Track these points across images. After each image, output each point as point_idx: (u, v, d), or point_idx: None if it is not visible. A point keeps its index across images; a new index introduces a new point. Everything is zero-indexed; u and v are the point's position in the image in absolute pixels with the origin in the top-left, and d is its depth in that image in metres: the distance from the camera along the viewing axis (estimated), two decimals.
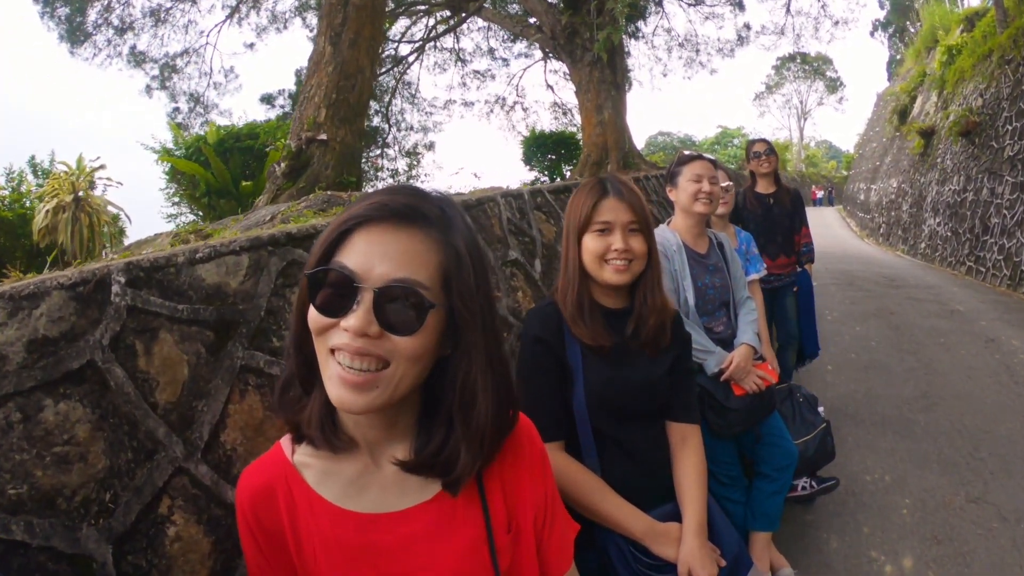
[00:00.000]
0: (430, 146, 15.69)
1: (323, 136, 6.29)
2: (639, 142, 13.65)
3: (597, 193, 1.60)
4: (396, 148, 15.14)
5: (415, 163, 15.17)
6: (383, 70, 13.63)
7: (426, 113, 15.43)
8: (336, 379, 0.78)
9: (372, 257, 0.79)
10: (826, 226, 20.20)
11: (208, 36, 11.83)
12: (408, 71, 14.57)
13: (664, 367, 1.62)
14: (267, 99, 13.37)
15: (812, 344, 4.66)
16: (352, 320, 0.77)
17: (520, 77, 15.61)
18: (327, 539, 0.89)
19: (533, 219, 2.80)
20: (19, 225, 9.42)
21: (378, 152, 14.78)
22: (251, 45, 13.55)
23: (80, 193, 10.15)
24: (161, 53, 11.54)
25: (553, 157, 12.13)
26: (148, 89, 11.91)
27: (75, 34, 10.38)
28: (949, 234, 11.68)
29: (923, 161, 14.65)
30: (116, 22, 10.66)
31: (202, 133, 11.04)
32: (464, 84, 15.63)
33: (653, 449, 1.61)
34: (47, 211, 9.59)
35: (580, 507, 1.52)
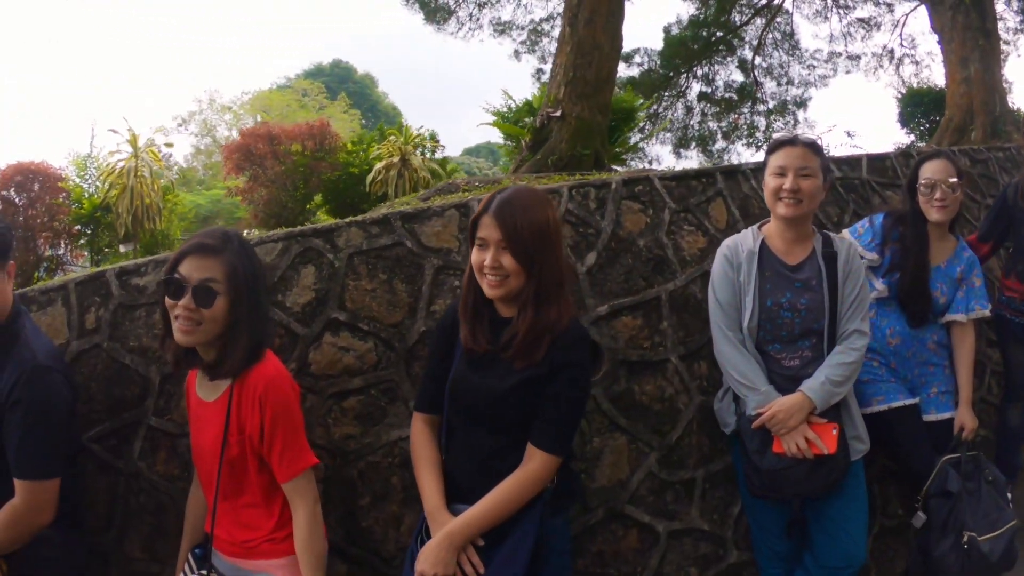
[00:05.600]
0: (801, 103, 13.85)
1: (558, 112, 6.76)
2: None
3: (482, 208, 1.61)
4: (770, 104, 13.80)
5: (777, 119, 13.73)
6: (744, 20, 12.72)
7: (809, 66, 13.53)
8: (177, 329, 1.56)
9: (191, 269, 1.57)
10: None
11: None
12: (782, 20, 12.87)
13: (513, 381, 1.59)
14: (625, 58, 12.71)
15: None
16: (183, 301, 1.54)
17: (903, 24, 12.86)
18: (192, 407, 1.74)
19: (615, 209, 2.59)
20: (361, 178, 12.55)
21: (748, 108, 13.79)
22: None
23: (407, 157, 12.70)
24: (526, 20, 12.31)
25: (937, 119, 9.82)
26: (516, 54, 12.75)
27: (438, 13, 11.90)
28: None
29: None
30: None
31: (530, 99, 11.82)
32: (848, 34, 12.81)
33: (498, 458, 1.62)
34: (378, 169, 12.41)
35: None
